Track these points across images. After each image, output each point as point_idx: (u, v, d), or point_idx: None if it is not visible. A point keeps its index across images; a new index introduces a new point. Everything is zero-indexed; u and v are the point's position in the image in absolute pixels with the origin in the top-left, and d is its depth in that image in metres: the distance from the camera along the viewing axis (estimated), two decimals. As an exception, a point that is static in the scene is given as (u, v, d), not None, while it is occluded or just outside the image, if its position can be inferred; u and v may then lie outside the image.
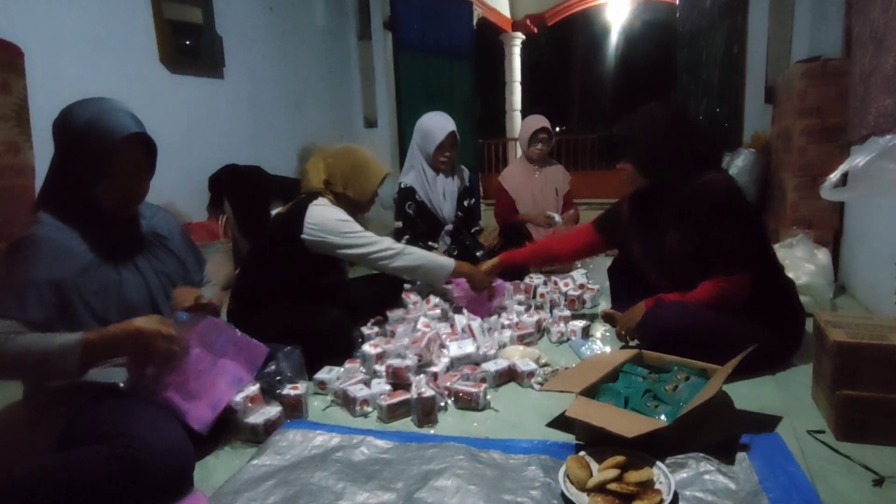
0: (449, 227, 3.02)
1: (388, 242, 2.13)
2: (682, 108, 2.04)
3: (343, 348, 2.02)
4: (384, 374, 1.81)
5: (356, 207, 2.18)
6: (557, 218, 3.33)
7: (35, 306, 1.23)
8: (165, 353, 1.32)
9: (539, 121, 3.45)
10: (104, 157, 1.30)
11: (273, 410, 1.59)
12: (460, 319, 2.13)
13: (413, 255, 2.15)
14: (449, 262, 2.22)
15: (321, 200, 2.09)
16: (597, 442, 1.36)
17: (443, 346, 1.99)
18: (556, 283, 2.78)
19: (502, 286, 2.45)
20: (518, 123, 9.46)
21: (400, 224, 2.94)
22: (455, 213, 3.03)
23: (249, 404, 1.56)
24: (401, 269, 2.16)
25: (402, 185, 2.97)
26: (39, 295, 1.24)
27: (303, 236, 2.03)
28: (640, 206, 2.08)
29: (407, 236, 2.92)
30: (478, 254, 2.59)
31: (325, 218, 2.04)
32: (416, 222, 2.94)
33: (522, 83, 9.78)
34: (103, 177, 1.32)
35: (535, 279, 2.88)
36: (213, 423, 1.42)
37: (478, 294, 2.35)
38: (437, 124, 2.91)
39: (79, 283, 1.29)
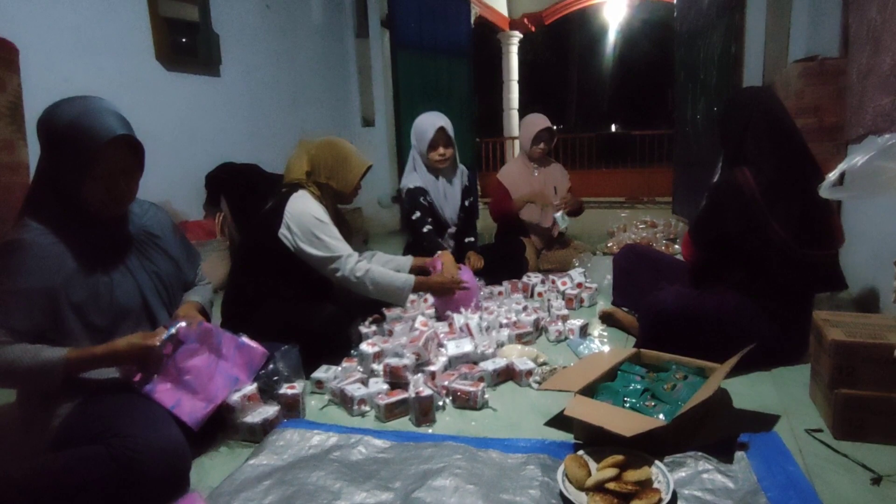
0: (452, 229, 3.01)
1: (352, 261, 2.06)
2: (744, 94, 2.05)
3: (339, 345, 2.01)
4: (382, 373, 1.80)
5: (340, 198, 2.18)
6: (561, 222, 3.31)
7: (20, 315, 1.22)
8: (144, 363, 1.35)
9: (542, 120, 3.44)
10: (88, 159, 1.27)
11: (271, 410, 1.58)
12: (458, 318, 2.13)
13: (373, 279, 2.08)
14: (408, 282, 2.17)
15: (302, 193, 2.08)
16: (595, 441, 1.35)
17: (441, 344, 1.98)
18: (553, 282, 2.78)
19: (472, 291, 2.41)
20: (515, 122, 9.46)
21: (419, 214, 2.85)
22: (458, 214, 3.01)
23: (247, 403, 1.56)
24: (359, 288, 2.10)
25: (410, 187, 2.90)
26: (26, 303, 1.23)
27: (279, 233, 2.01)
28: None
29: (428, 225, 2.85)
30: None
31: (301, 211, 2.02)
32: (432, 213, 2.90)
33: (520, 82, 9.78)
34: (88, 179, 1.29)
35: (534, 278, 2.88)
36: (204, 419, 1.41)
37: (446, 299, 2.33)
38: (427, 122, 2.87)
39: (66, 289, 1.27)
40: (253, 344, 1.62)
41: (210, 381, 1.46)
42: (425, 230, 2.84)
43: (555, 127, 3.42)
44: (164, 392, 1.37)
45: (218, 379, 1.49)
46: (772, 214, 1.78)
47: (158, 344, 1.34)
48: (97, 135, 1.27)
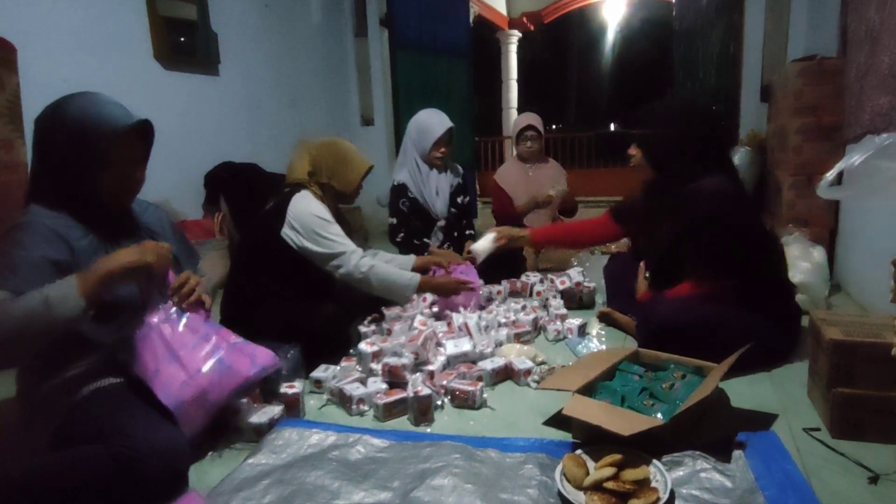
0: (441, 223, 3.02)
1: (356, 257, 2.07)
2: (706, 108, 2.04)
3: (338, 345, 2.02)
4: (380, 372, 1.80)
5: (341, 198, 2.19)
6: (558, 190, 3.31)
7: (30, 281, 1.19)
8: (156, 262, 1.29)
9: (527, 118, 3.45)
10: (107, 147, 1.30)
11: (276, 409, 1.59)
12: (457, 317, 2.13)
13: (377, 277, 2.09)
14: (413, 280, 2.17)
15: (304, 193, 2.09)
16: (593, 440, 1.36)
17: (439, 344, 1.99)
18: (552, 281, 2.78)
19: (475, 291, 2.43)
20: (513, 122, 9.45)
21: (395, 221, 2.93)
22: (448, 209, 3.03)
23: (254, 405, 1.57)
24: (363, 285, 2.10)
25: (395, 183, 2.96)
26: (35, 271, 1.21)
27: (283, 233, 2.02)
28: (647, 195, 2.14)
29: (402, 233, 2.91)
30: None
31: (304, 211, 2.03)
32: (411, 219, 2.93)
33: (519, 81, 9.78)
34: (104, 168, 1.32)
35: (532, 277, 2.88)
36: (181, 396, 1.32)
37: (466, 293, 2.35)
38: (435, 120, 2.91)
39: (72, 269, 1.26)
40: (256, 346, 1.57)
41: (195, 358, 1.38)
42: (399, 239, 2.90)
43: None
44: (148, 353, 1.33)
45: (204, 359, 1.40)
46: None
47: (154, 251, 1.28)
48: (115, 122, 1.30)
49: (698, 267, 1.87)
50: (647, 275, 2.17)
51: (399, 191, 2.93)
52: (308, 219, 2.02)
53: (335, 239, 2.05)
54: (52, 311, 1.13)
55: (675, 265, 1.96)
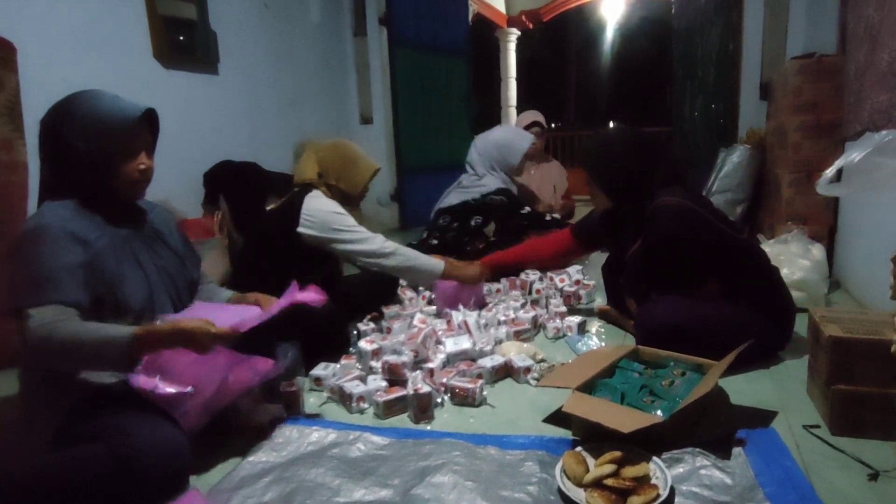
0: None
1: (379, 241, 2.15)
2: (642, 133, 2.08)
3: (338, 343, 2.02)
4: (380, 370, 1.81)
5: (348, 199, 2.23)
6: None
7: (71, 287, 1.21)
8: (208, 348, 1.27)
9: (531, 115, 3.47)
10: (122, 137, 1.33)
11: (277, 408, 1.59)
12: (456, 315, 2.13)
13: (404, 256, 2.16)
14: (438, 265, 2.23)
15: (316, 192, 2.12)
16: (593, 437, 1.36)
17: (439, 342, 1.99)
18: (551, 279, 2.79)
19: (476, 287, 2.46)
20: (513, 120, 9.44)
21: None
22: None
23: (252, 404, 1.56)
24: (390, 268, 2.19)
25: (502, 187, 3.13)
26: (71, 277, 1.22)
27: (299, 229, 2.05)
28: (609, 219, 2.17)
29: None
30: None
31: (320, 209, 2.07)
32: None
33: (518, 79, 9.76)
34: (120, 158, 1.34)
35: (531, 275, 2.88)
36: (180, 403, 1.33)
37: (467, 290, 2.36)
38: (521, 135, 3.15)
39: (93, 268, 1.27)
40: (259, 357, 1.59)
41: (196, 373, 1.38)
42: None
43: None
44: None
45: (206, 375, 1.40)
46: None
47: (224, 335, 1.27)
48: (128, 112, 1.34)
49: (678, 282, 1.90)
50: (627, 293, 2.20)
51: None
52: (325, 215, 2.08)
53: (355, 227, 2.12)
54: (99, 353, 1.19)
55: (649, 283, 1.99)
